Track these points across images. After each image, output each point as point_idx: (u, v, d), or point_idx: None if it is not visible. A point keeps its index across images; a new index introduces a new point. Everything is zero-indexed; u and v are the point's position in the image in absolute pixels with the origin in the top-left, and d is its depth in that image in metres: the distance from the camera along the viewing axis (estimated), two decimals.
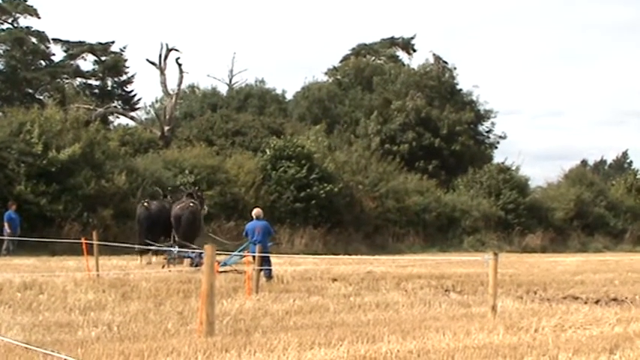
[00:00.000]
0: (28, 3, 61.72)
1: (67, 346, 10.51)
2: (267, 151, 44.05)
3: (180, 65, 54.05)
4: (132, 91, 67.03)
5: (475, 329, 12.45)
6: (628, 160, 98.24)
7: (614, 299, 18.31)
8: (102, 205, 35.89)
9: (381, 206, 46.45)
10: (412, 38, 77.48)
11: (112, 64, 65.28)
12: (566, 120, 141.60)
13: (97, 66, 65.63)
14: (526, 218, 52.74)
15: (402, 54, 77.46)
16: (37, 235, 30.52)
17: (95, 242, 20.81)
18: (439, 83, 63.20)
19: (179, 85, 55.67)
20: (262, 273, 19.08)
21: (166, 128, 52.22)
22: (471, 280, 21.92)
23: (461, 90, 65.17)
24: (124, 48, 65.95)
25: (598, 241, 55.47)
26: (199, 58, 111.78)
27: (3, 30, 62.09)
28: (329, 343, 11.02)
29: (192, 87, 72.59)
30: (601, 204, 58.61)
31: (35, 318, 13.14)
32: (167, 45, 54.13)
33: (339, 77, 72.20)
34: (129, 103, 66.33)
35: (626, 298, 18.61)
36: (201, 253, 20.36)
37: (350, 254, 36.02)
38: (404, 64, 72.04)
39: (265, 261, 19.38)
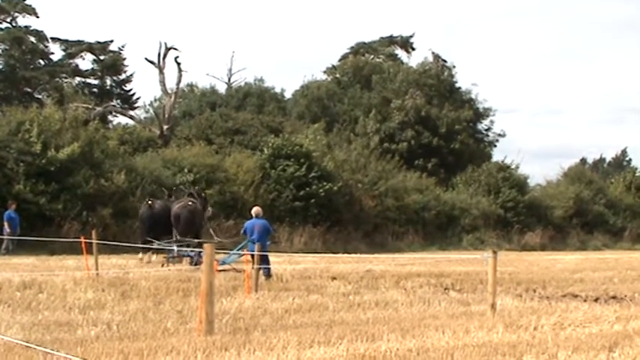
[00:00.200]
0: (26, 2, 61.66)
1: (66, 345, 10.52)
2: (266, 149, 44.05)
3: (179, 64, 54.08)
4: (131, 90, 67.10)
5: (474, 327, 12.46)
6: (627, 158, 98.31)
7: (614, 297, 18.31)
8: (101, 204, 35.90)
9: (381, 205, 46.46)
10: (411, 37, 77.57)
11: (111, 63, 65.25)
12: (566, 118, 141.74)
13: (95, 65, 65.61)
14: (525, 216, 52.75)
15: (400, 52, 77.54)
16: (36, 234, 30.52)
17: (94, 241, 20.81)
18: (438, 81, 63.18)
19: (178, 83, 55.68)
20: (261, 272, 19.07)
21: (165, 127, 52.20)
22: (471, 279, 21.92)
23: (460, 88, 65.17)
24: (123, 47, 66.01)
25: (597, 239, 55.50)
26: (198, 57, 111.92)
27: (1, 29, 62.06)
28: (328, 341, 11.03)
29: (191, 86, 72.62)
30: (600, 202, 58.63)
31: (35, 317, 13.15)
32: (166, 44, 54.17)
33: (338, 76, 72.20)
34: (128, 102, 66.31)
35: (626, 296, 18.62)
36: (201, 252, 20.40)
37: (349, 253, 36.02)
38: (403, 63, 72.05)
39: (263, 260, 19.38)
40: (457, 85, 65.25)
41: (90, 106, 52.22)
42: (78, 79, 65.75)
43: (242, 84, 72.24)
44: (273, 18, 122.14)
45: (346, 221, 43.94)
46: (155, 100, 67.63)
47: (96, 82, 66.46)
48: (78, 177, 35.88)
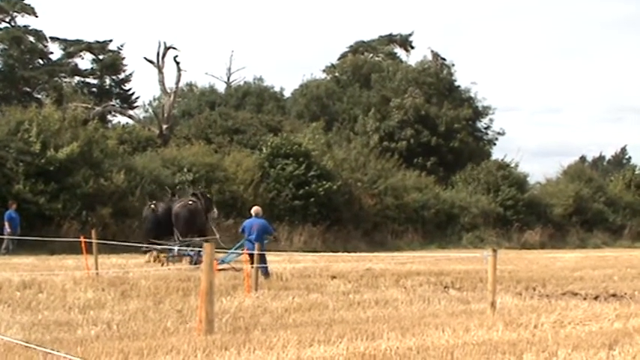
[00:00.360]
0: (25, 2, 61.65)
1: (66, 345, 10.51)
2: (265, 149, 44.05)
3: (178, 63, 54.04)
4: (130, 89, 67.10)
5: (474, 326, 12.46)
6: (627, 156, 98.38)
7: (614, 295, 18.31)
8: (100, 204, 35.90)
9: (380, 203, 46.47)
10: (410, 35, 77.60)
11: (110, 62, 65.24)
12: (565, 116, 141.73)
13: (94, 64, 65.60)
14: (525, 214, 52.77)
15: (400, 51, 77.58)
16: (35, 233, 30.51)
17: (94, 241, 20.80)
18: (437, 80, 63.19)
19: (177, 83, 55.64)
20: (259, 271, 19.06)
21: (164, 126, 52.18)
22: (470, 277, 21.93)
23: (459, 87, 65.21)
24: (122, 46, 66.01)
25: (597, 237, 55.52)
26: (197, 56, 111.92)
27: (0, 29, 62.05)
28: (328, 340, 11.02)
29: (190, 85, 72.69)
30: (600, 200, 58.65)
31: (34, 317, 13.14)
32: (165, 43, 54.13)
33: (337, 74, 72.23)
34: (127, 101, 66.30)
35: (625, 293, 18.62)
36: (200, 251, 20.38)
37: (349, 251, 36.01)
38: (402, 61, 72.05)
39: (261, 259, 19.33)
40: (456, 83, 65.33)
41: (89, 106, 52.19)
42: (77, 78, 65.77)
43: (241, 83, 72.38)
44: (272, 17, 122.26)
45: (346, 220, 43.95)
46: (154, 99, 67.68)
47: (95, 81, 66.46)
48: (77, 176, 35.89)
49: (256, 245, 18.97)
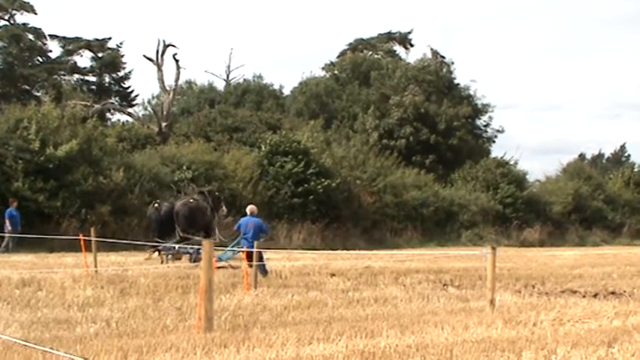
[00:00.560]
0: None
1: (65, 343, 10.51)
2: (263, 146, 44.05)
3: (177, 61, 54.04)
4: (129, 87, 67.05)
5: (473, 323, 12.46)
6: (626, 154, 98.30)
7: (613, 293, 18.33)
8: (100, 202, 35.89)
9: (379, 201, 46.47)
10: (409, 33, 77.58)
11: (109, 60, 65.21)
12: (564, 114, 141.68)
13: (94, 62, 65.57)
14: (524, 212, 52.78)
15: (399, 49, 77.57)
16: (35, 231, 30.48)
17: (93, 238, 20.80)
18: (437, 78, 63.16)
19: (176, 81, 55.64)
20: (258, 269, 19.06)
21: (164, 124, 52.19)
22: (469, 275, 21.94)
23: (458, 84, 65.19)
24: (121, 44, 65.98)
25: (596, 235, 55.54)
26: (197, 54, 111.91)
27: (0, 27, 62.01)
28: (327, 338, 11.03)
29: (189, 83, 72.72)
30: (599, 198, 58.66)
31: (34, 315, 13.14)
32: (164, 41, 54.13)
33: (336, 72, 72.22)
34: (126, 99, 66.28)
35: (625, 291, 18.63)
36: (199, 249, 20.39)
37: (348, 249, 36.03)
38: (401, 59, 72.04)
39: (258, 257, 19.24)
40: (456, 81, 65.31)
41: (88, 104, 52.19)
42: (76, 76, 65.72)
43: (240, 81, 72.39)
44: (271, 14, 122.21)
45: (345, 218, 43.95)
46: (153, 97, 67.71)
47: (94, 79, 66.44)
48: (76, 174, 35.88)
49: (255, 244, 18.99)
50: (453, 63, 65.59)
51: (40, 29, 62.54)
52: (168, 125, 52.69)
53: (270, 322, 12.93)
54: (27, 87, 61.68)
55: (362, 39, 78.03)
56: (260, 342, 10.58)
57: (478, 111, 64.73)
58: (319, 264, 24.65)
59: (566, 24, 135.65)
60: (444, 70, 64.70)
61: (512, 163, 56.46)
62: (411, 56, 72.95)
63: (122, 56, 65.82)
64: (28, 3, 61.56)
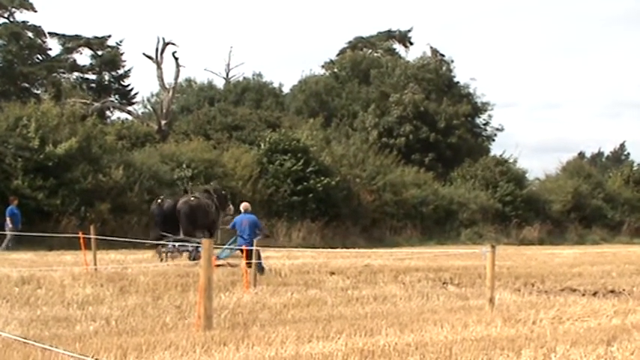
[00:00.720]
0: None
1: (65, 341, 10.51)
2: (263, 144, 44.04)
3: (177, 59, 54.06)
4: (129, 85, 67.03)
5: (473, 322, 12.46)
6: (625, 152, 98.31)
7: (612, 291, 18.33)
8: (99, 200, 35.89)
9: (379, 199, 46.46)
10: (409, 31, 77.54)
11: (109, 58, 65.17)
12: (564, 112, 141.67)
13: (93, 60, 65.52)
14: (523, 211, 52.77)
15: (399, 47, 77.53)
16: (34, 229, 30.46)
17: (93, 236, 20.81)
18: (436, 76, 63.17)
19: (176, 79, 55.67)
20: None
21: (163, 122, 52.20)
22: (469, 273, 21.93)
23: (458, 83, 65.20)
24: (121, 42, 65.93)
25: (595, 233, 55.53)
26: (196, 52, 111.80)
27: None
28: (327, 336, 11.03)
29: (189, 81, 72.72)
30: (598, 196, 58.65)
31: (33, 313, 13.14)
32: (164, 39, 54.14)
33: (336, 70, 72.18)
34: (126, 97, 66.26)
35: (624, 289, 18.64)
36: (199, 247, 20.37)
37: (347, 247, 36.03)
38: (401, 57, 72.02)
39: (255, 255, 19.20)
40: (455, 79, 65.33)
41: (88, 102, 52.23)
42: (76, 74, 65.68)
43: (240, 79, 72.38)
44: (271, 13, 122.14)
45: (344, 216, 43.94)
46: (153, 95, 67.72)
47: (94, 77, 66.40)
48: (76, 172, 35.88)
49: (254, 242, 18.98)
50: (452, 61, 65.70)
51: (39, 27, 62.54)
52: (167, 123, 52.70)
53: (270, 320, 12.93)
54: (26, 85, 61.66)
55: (362, 37, 78.02)
56: (259, 340, 10.59)
57: (478, 109, 64.74)
58: (319, 262, 24.65)
59: (565, 22, 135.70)
60: (444, 68, 64.72)
61: (511, 161, 56.50)
62: (411, 54, 73.01)
63: (122, 54, 65.85)
64: (28, 1, 61.50)
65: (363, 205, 45.63)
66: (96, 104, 52.93)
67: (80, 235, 21.65)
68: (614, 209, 58.84)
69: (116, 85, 66.71)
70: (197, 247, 22.30)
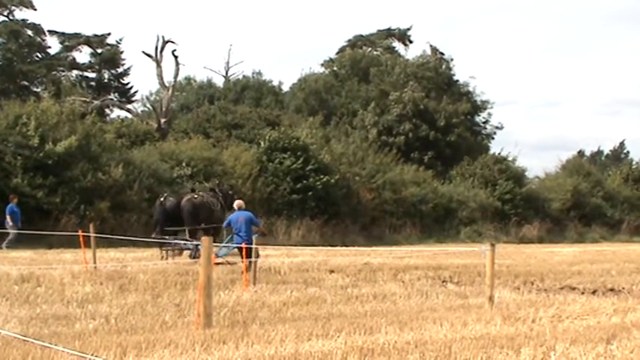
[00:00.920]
0: None
1: (64, 339, 10.51)
2: (262, 143, 44.04)
3: (176, 57, 54.06)
4: (128, 83, 67.02)
5: (472, 320, 12.46)
6: (625, 151, 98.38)
7: (612, 289, 18.32)
8: (99, 198, 35.88)
9: (378, 198, 46.47)
10: (408, 29, 77.52)
11: (109, 56, 65.16)
12: (564, 110, 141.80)
13: (93, 58, 65.52)
14: (523, 209, 52.78)
15: (398, 45, 77.52)
16: (34, 227, 30.48)
17: (92, 235, 20.80)
18: (436, 74, 63.20)
19: (175, 77, 55.70)
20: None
21: (163, 120, 52.19)
22: (468, 271, 21.93)
23: (458, 81, 65.24)
24: (120, 40, 65.93)
25: (595, 232, 55.55)
26: (196, 50, 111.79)
27: None
28: (326, 334, 11.03)
29: (188, 79, 72.68)
30: (598, 194, 58.68)
31: (33, 311, 13.14)
32: (163, 37, 54.15)
33: (335, 69, 72.19)
34: (125, 95, 66.24)
35: (623, 288, 18.64)
36: (198, 245, 20.36)
37: (347, 246, 36.00)
38: (400, 56, 72.04)
39: (252, 252, 19.14)
40: (455, 77, 65.39)
41: (87, 100, 52.25)
42: (75, 72, 65.67)
43: (240, 77, 72.36)
44: (270, 11, 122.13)
45: (344, 214, 43.93)
46: (152, 93, 67.71)
47: (93, 75, 66.38)
48: (75, 170, 35.87)
49: (253, 239, 18.97)
50: (452, 59, 65.78)
51: (39, 25, 62.54)
52: (167, 121, 52.70)
53: (269, 318, 12.93)
54: (26, 83, 61.65)
55: (361, 35, 78.01)
56: (259, 338, 10.58)
57: (477, 107, 64.78)
58: (318, 260, 24.63)
59: (565, 20, 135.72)
60: (444, 66, 64.75)
61: (510, 159, 56.50)
62: (410, 53, 73.07)
63: (121, 52, 65.83)
64: None
65: (362, 204, 45.64)
66: (95, 102, 52.94)
67: (80, 233, 21.65)
68: (613, 207, 58.87)
69: (116, 83, 66.69)
70: (197, 245, 22.28)
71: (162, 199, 27.18)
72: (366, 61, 69.72)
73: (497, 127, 66.38)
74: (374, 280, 19.48)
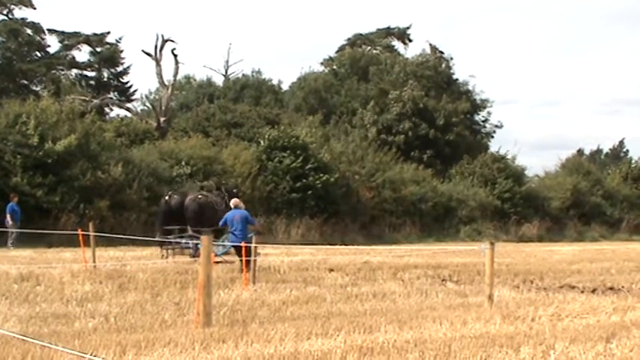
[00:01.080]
0: None
1: (64, 338, 10.50)
2: (262, 141, 44.03)
3: (175, 56, 54.04)
4: (128, 82, 66.98)
5: (472, 319, 12.46)
6: (624, 149, 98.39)
7: (611, 288, 18.31)
8: (98, 197, 35.90)
9: (378, 196, 46.47)
10: (408, 28, 77.53)
11: (108, 55, 65.12)
12: (563, 109, 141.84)
13: (92, 57, 65.47)
14: (522, 207, 52.80)
15: (397, 44, 77.53)
16: (33, 226, 30.51)
17: (92, 233, 20.79)
18: (435, 73, 63.19)
19: (175, 76, 55.66)
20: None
21: (162, 119, 52.17)
22: (468, 270, 21.93)
23: (457, 80, 65.23)
24: (120, 39, 65.89)
25: (594, 230, 55.59)
26: (195, 49, 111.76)
27: None
28: (326, 333, 11.02)
29: (188, 78, 72.64)
30: (597, 193, 58.71)
31: (32, 309, 13.13)
32: (163, 36, 54.12)
33: (335, 67, 72.20)
34: (125, 94, 66.21)
35: (623, 287, 18.63)
36: (198, 244, 20.33)
37: (346, 244, 36.01)
38: (400, 54, 72.03)
39: (247, 251, 19.07)
40: (454, 76, 65.42)
41: (87, 99, 52.21)
42: (75, 71, 65.66)
43: (239, 76, 72.34)
44: (270, 9, 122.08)
45: (343, 213, 43.95)
46: (152, 92, 67.67)
47: (93, 74, 66.32)
48: (75, 169, 35.88)
49: (252, 238, 18.96)
50: (451, 58, 65.81)
51: (38, 24, 62.52)
52: (166, 120, 52.67)
53: (269, 317, 12.92)
54: (25, 82, 61.61)
55: (360, 34, 78.01)
56: (258, 337, 10.58)
57: (477, 106, 64.78)
58: (318, 259, 24.63)
59: (565, 20, 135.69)
60: (443, 65, 64.73)
61: (509, 158, 56.51)
62: (410, 51, 73.12)
63: (121, 51, 65.79)
64: None
65: (362, 202, 45.65)
66: (95, 101, 52.92)
67: (79, 232, 21.64)
68: (613, 206, 58.90)
69: (115, 82, 66.65)
70: (197, 244, 22.26)
71: (167, 197, 27.17)
72: (366, 60, 69.71)
73: (496, 126, 66.48)
74: (373, 278, 19.48)
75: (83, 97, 51.62)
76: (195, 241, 23.26)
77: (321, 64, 74.27)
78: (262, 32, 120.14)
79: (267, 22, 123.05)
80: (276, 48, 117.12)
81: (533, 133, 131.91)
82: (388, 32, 77.68)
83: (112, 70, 66.39)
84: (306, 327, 11.39)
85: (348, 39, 77.67)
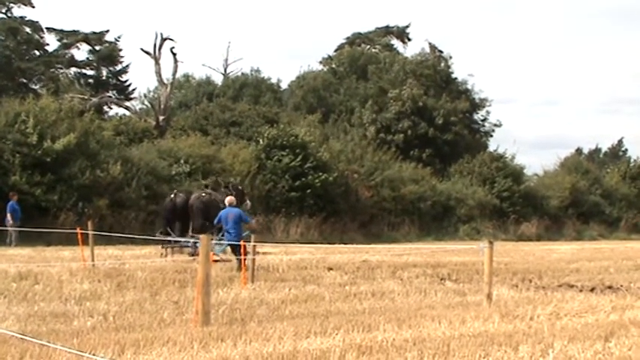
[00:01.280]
0: None
1: (62, 337, 10.50)
2: (261, 140, 44.02)
3: (174, 55, 54.06)
4: (126, 80, 66.90)
5: (471, 318, 12.46)
6: (623, 148, 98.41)
7: (610, 287, 18.32)
8: (97, 195, 35.89)
9: (377, 195, 46.48)
10: (407, 27, 77.57)
11: (107, 53, 65.05)
12: (562, 108, 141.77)
13: (91, 55, 65.41)
14: (521, 206, 52.80)
15: (396, 43, 77.54)
16: (32, 225, 30.47)
17: (90, 232, 20.78)
18: (434, 72, 63.13)
19: (174, 74, 55.71)
20: (235, 260, 19.05)
21: (161, 118, 52.16)
22: (467, 269, 21.93)
23: (456, 79, 65.15)
24: (119, 37, 65.82)
25: (593, 229, 55.61)
26: (194, 48, 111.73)
27: None
28: (325, 332, 11.02)
29: (187, 76, 72.62)
30: (596, 192, 58.74)
31: (30, 308, 13.12)
32: (162, 34, 54.14)
33: (334, 66, 72.20)
34: (123, 92, 66.16)
35: (622, 285, 18.63)
36: (196, 242, 20.34)
37: (345, 243, 36.02)
38: (399, 53, 72.02)
39: (239, 249, 19.04)
40: (453, 75, 65.28)
41: (86, 97, 52.24)
42: (73, 69, 65.60)
43: (238, 74, 72.33)
44: (269, 8, 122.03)
45: (342, 212, 43.95)
46: (151, 90, 67.67)
47: (92, 72, 66.25)
48: (74, 168, 35.87)
49: (251, 237, 18.97)
50: (450, 57, 65.69)
51: (37, 22, 62.42)
52: (165, 119, 52.67)
53: (268, 316, 12.92)
54: (24, 80, 61.52)
55: (359, 33, 78.00)
56: (257, 336, 10.57)
57: (476, 105, 64.72)
58: (316, 258, 24.62)
59: (564, 19, 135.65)
60: (442, 64, 64.68)
61: (508, 157, 56.53)
62: (409, 50, 73.15)
63: (120, 50, 65.72)
64: None
65: (361, 201, 45.65)
66: (94, 100, 52.94)
67: (78, 230, 21.64)
68: (611, 205, 58.93)
69: (114, 81, 66.59)
70: (196, 242, 22.26)
71: (172, 195, 27.15)
72: (365, 59, 69.70)
73: (495, 125, 66.37)
74: (372, 277, 19.48)
75: (82, 96, 51.64)
76: (194, 240, 23.27)
77: (320, 62, 74.38)
78: (261, 31, 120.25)
79: (267, 20, 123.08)
80: (275, 47, 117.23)
81: (532, 132, 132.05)
82: (387, 31, 77.69)
83: (111, 69, 66.32)
84: (304, 326, 11.39)
85: (347, 38, 77.73)
